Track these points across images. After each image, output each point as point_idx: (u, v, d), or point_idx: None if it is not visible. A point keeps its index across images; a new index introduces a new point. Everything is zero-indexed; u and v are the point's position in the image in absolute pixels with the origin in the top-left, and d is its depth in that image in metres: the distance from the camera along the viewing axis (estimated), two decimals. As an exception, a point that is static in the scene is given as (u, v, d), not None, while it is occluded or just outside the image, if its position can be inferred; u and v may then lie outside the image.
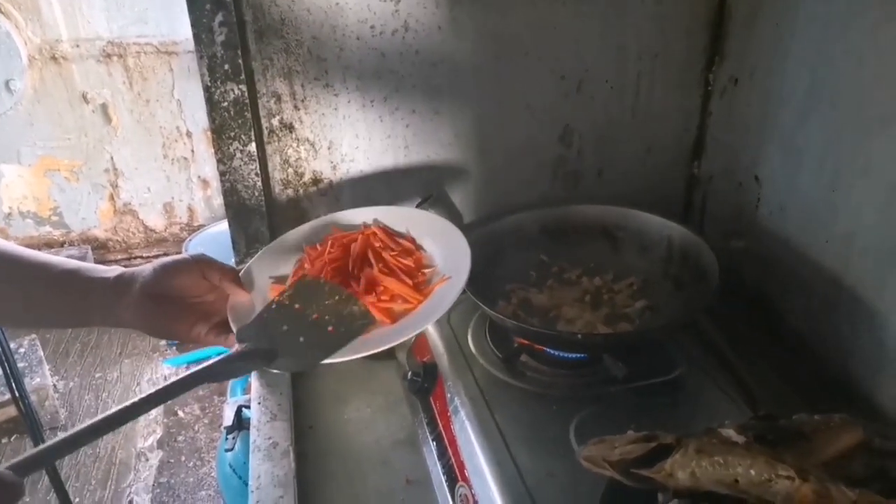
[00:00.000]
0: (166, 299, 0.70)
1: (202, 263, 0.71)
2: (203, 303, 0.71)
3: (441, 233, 0.78)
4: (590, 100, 0.99)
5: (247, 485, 0.79)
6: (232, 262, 0.95)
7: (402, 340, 0.69)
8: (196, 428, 2.32)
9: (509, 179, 1.02)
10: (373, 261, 0.75)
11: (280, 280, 0.77)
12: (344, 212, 0.89)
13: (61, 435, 0.50)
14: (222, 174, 0.87)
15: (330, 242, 0.77)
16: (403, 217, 0.81)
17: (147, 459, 2.19)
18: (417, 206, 0.93)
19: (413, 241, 0.78)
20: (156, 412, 2.38)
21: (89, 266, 0.71)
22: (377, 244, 0.77)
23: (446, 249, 0.75)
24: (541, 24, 0.92)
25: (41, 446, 0.49)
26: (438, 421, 0.82)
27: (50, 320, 0.72)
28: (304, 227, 0.84)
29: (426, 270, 0.75)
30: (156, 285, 0.69)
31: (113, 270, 0.70)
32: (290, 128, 0.91)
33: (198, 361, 2.59)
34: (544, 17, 0.92)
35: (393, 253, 0.75)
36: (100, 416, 0.52)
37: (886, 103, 0.72)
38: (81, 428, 0.51)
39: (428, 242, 0.78)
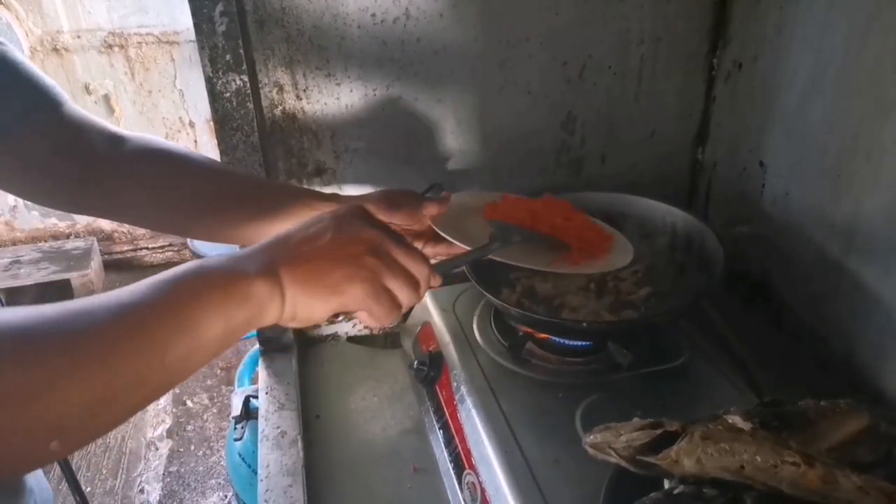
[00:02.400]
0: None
1: (417, 196, 0.77)
2: (410, 230, 0.77)
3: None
4: (592, 86, 0.99)
5: (256, 473, 0.80)
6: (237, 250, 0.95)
7: (591, 272, 0.79)
8: (205, 417, 2.34)
9: (512, 167, 1.01)
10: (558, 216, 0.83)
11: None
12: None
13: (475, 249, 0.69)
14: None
15: (512, 201, 0.84)
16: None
17: (157, 449, 2.22)
18: (422, 195, 0.93)
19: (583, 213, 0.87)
20: (164, 402, 2.40)
21: (311, 191, 0.73)
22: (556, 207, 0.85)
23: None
24: (542, 9, 0.91)
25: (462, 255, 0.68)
26: (445, 409, 0.82)
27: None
28: (474, 190, 0.89)
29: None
30: (385, 214, 0.72)
31: (335, 196, 0.74)
32: (293, 118, 0.91)
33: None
34: (546, 2, 0.91)
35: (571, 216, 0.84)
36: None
37: (891, 86, 0.72)
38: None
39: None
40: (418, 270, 0.55)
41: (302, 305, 0.49)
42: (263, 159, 0.88)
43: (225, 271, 0.46)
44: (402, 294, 0.53)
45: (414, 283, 0.54)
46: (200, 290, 0.43)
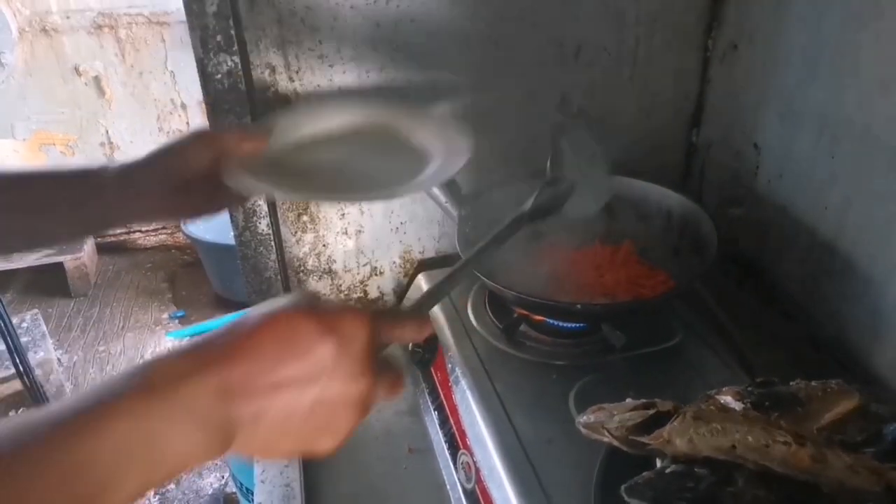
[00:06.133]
0: (185, 181, 0.64)
1: (206, 136, 0.66)
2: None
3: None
4: (587, 67, 0.98)
5: (252, 455, 0.80)
6: (230, 235, 0.95)
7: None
8: (200, 399, 2.35)
9: (506, 149, 1.01)
10: None
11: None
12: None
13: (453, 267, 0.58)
14: (218, 148, 0.86)
15: None
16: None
17: (152, 431, 2.22)
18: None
19: None
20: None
21: (89, 166, 0.64)
22: None
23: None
24: (538, -11, 0.91)
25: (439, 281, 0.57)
26: (440, 391, 0.83)
27: (67, 229, 0.68)
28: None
29: None
30: (171, 173, 0.63)
31: (113, 166, 0.64)
32: (286, 100, 0.90)
33: (201, 333, 2.61)
34: (541, -18, 0.90)
35: None
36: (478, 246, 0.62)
37: (887, 67, 0.71)
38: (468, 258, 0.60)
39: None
40: (394, 395, 0.48)
41: (253, 451, 0.42)
42: (256, 142, 0.87)
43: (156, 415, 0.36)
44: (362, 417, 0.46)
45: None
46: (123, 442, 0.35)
